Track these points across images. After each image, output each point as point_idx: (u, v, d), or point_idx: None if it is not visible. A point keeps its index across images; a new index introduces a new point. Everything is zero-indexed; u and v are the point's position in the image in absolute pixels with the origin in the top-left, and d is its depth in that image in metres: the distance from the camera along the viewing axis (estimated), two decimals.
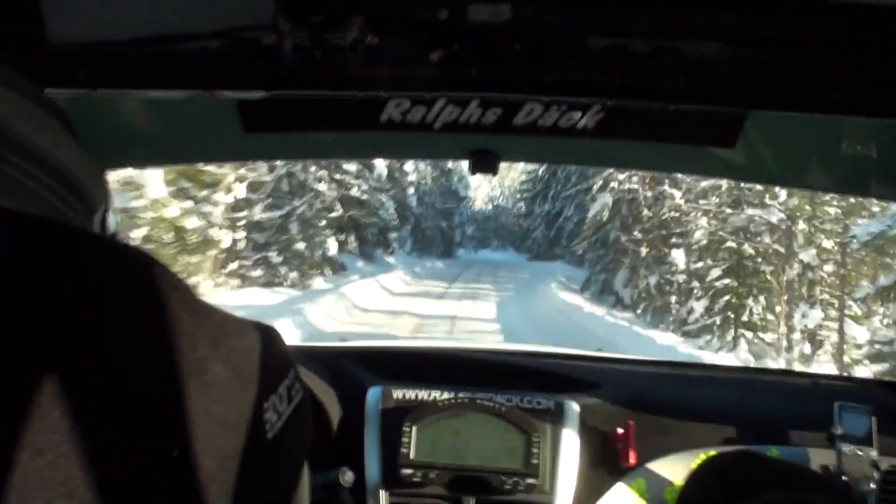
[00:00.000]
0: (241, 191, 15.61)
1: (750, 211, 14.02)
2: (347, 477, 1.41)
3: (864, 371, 10.69)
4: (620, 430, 1.59)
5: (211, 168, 13.26)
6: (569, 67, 1.05)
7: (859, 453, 1.41)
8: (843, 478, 1.40)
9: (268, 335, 0.60)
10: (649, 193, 18.10)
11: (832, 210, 13.25)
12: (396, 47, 1.00)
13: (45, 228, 0.49)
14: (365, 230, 25.79)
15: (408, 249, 34.45)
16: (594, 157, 1.61)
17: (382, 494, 1.57)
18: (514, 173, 58.56)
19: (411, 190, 34.51)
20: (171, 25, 0.95)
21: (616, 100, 1.11)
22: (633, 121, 1.23)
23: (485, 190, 72.24)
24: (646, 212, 18.24)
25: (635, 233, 18.39)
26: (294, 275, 19.05)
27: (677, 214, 16.86)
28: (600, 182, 20.54)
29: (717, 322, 14.12)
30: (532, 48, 1.01)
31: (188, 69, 1.04)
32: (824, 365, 12.21)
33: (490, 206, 73.06)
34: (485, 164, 1.42)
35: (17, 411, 0.40)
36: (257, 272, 17.81)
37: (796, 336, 13.03)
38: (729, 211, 14.66)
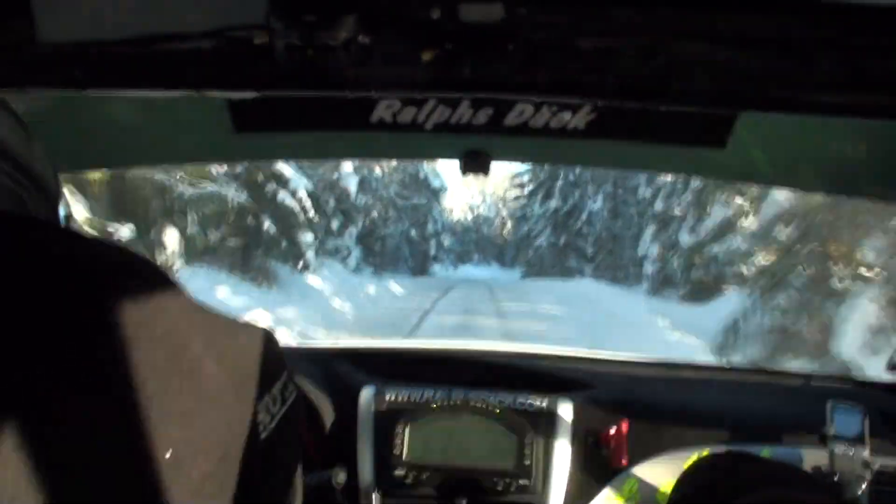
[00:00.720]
0: None
1: None
2: (340, 477, 1.41)
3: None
4: (613, 431, 1.59)
5: None
6: (560, 68, 1.05)
7: (851, 453, 1.41)
8: (836, 478, 1.41)
9: (262, 336, 0.60)
10: None
11: None
12: (388, 47, 0.99)
13: (46, 230, 0.49)
14: (185, 216, 12.49)
15: (353, 264, 23.04)
16: (585, 157, 1.61)
17: (375, 495, 1.57)
18: (501, 171, 49.55)
19: (347, 167, 21.26)
20: (162, 25, 0.95)
21: (607, 100, 1.11)
22: (624, 121, 1.24)
23: (462, 197, 64.19)
24: None
25: None
26: None
27: None
28: None
29: None
30: (524, 48, 1.00)
31: (180, 69, 1.03)
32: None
33: (469, 216, 63.76)
34: (476, 164, 1.42)
35: (17, 409, 0.39)
36: None
37: None
38: None
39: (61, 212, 0.80)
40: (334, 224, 21.86)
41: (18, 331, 0.41)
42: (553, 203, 33.04)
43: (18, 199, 0.57)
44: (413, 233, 34.97)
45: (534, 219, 35.98)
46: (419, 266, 36.06)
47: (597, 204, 28.43)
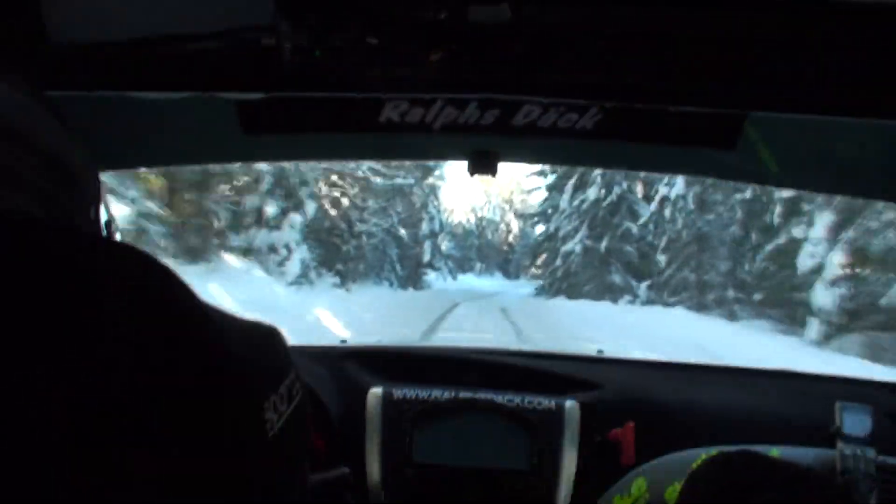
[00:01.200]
0: None
1: None
2: (348, 477, 1.41)
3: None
4: (620, 430, 1.59)
5: None
6: (568, 68, 1.05)
7: (860, 453, 1.41)
8: (845, 478, 1.40)
9: (269, 335, 0.61)
10: None
11: None
12: (395, 48, 0.99)
13: (46, 230, 0.49)
14: None
15: (296, 271, 15.91)
16: (594, 158, 1.61)
17: (383, 495, 1.57)
18: (509, 173, 39.46)
19: None
20: (170, 27, 0.95)
21: (615, 101, 1.11)
22: (633, 122, 1.23)
23: (463, 198, 53.89)
24: None
25: None
26: None
27: None
28: None
29: None
30: (531, 49, 1.01)
31: (188, 70, 1.04)
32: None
33: (472, 220, 53.78)
34: (484, 164, 1.42)
35: (16, 410, 0.40)
36: None
37: None
38: None
39: (103, 213, 0.78)
40: (270, 209, 15.59)
41: (20, 332, 0.41)
42: (591, 194, 23.02)
43: (49, 196, 0.58)
44: (402, 233, 25.66)
45: (557, 215, 25.94)
46: (412, 275, 27.05)
47: (675, 188, 19.52)
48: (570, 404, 1.62)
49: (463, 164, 1.43)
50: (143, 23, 0.96)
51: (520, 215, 46.72)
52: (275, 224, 15.87)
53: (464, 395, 1.63)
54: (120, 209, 11.00)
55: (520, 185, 38.97)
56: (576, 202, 24.47)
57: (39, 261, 0.45)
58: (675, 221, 20.04)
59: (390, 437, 1.60)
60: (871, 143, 1.23)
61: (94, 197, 0.66)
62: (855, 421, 1.44)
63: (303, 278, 16.37)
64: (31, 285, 0.43)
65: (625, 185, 22.59)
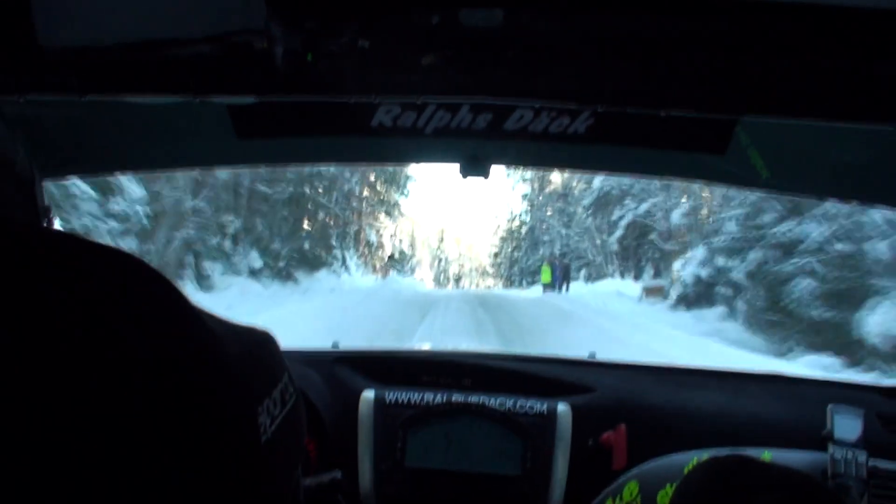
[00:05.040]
0: None
1: None
2: (340, 481, 1.41)
3: None
4: (612, 434, 1.59)
5: None
6: (560, 73, 1.05)
7: (851, 457, 1.41)
8: (836, 481, 1.41)
9: (262, 339, 0.61)
10: None
11: None
12: (388, 52, 1.00)
13: (35, 235, 0.49)
14: None
15: None
16: (585, 162, 1.61)
17: (375, 498, 1.57)
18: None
19: None
20: (162, 30, 0.95)
21: (606, 106, 1.11)
22: (624, 127, 1.24)
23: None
24: None
25: None
26: None
27: None
28: None
29: None
30: (523, 53, 1.01)
31: (179, 74, 1.04)
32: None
33: None
34: (476, 168, 1.42)
35: (9, 420, 0.40)
36: None
37: None
38: None
39: (56, 222, 0.79)
40: None
41: (11, 338, 0.41)
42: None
43: (4, 203, 0.57)
44: None
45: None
46: None
47: None
48: (562, 408, 1.62)
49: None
50: (135, 26, 0.96)
51: None
52: None
53: (456, 398, 1.63)
54: None
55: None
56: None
57: (28, 266, 0.44)
58: None
59: (382, 441, 1.60)
60: (863, 148, 1.24)
61: (46, 208, 0.66)
62: (846, 424, 1.44)
63: None
64: (21, 290, 0.43)
65: None
